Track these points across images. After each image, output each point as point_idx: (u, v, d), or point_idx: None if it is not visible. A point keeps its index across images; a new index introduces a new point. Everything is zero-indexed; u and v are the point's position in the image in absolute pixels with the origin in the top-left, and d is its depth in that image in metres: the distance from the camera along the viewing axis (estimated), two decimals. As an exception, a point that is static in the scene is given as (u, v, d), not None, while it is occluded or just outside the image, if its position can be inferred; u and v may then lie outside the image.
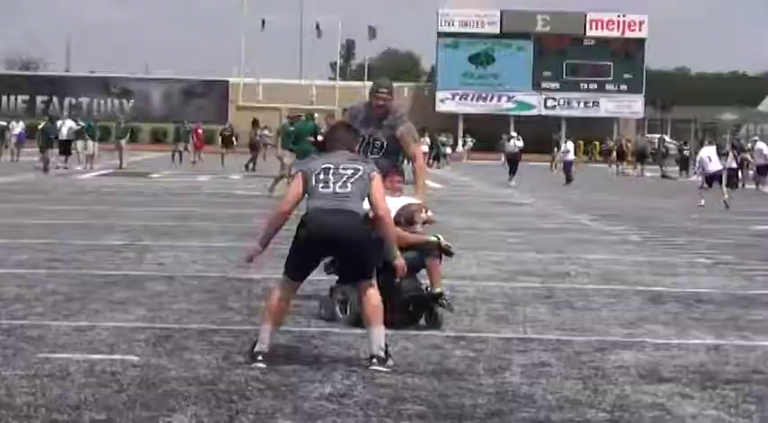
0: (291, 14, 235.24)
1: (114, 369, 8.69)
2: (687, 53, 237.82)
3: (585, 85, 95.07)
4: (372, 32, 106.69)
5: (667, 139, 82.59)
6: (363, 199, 9.26)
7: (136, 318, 11.14)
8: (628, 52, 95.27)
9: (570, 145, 52.71)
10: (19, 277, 13.54)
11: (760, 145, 47.29)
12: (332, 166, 9.35)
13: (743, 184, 42.83)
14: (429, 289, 10.99)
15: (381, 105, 11.77)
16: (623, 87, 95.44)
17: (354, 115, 12.01)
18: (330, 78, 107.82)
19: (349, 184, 9.20)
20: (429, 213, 11.52)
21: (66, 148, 47.75)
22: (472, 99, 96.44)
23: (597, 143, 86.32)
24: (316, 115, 34.68)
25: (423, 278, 11.12)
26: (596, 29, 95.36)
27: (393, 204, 10.57)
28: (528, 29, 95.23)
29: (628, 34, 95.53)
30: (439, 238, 11.07)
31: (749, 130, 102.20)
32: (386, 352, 8.99)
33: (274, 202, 28.70)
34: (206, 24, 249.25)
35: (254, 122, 56.93)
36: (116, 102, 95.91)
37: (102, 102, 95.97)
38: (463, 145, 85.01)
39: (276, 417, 7.44)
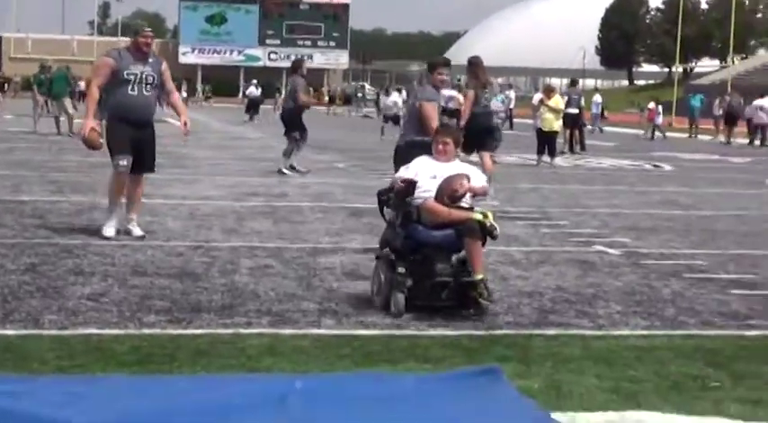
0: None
1: None
2: (384, 15, 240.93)
3: (302, 42, 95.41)
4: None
5: (367, 86, 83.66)
6: None
7: None
8: (335, 15, 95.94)
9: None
10: None
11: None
12: None
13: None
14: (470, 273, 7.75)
15: (148, 43, 10.81)
16: (332, 44, 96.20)
17: (118, 57, 10.77)
18: (89, 34, 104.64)
19: None
20: (475, 183, 8.09)
21: None
22: (209, 52, 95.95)
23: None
24: (69, 67, 35.14)
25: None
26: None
27: (441, 172, 8.04)
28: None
29: (335, 0, 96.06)
30: (485, 216, 7.77)
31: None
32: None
33: (33, 136, 28.12)
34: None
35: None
36: None
37: None
38: (203, 92, 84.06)
39: (44, 313, 7.33)
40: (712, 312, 8.19)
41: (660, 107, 44.44)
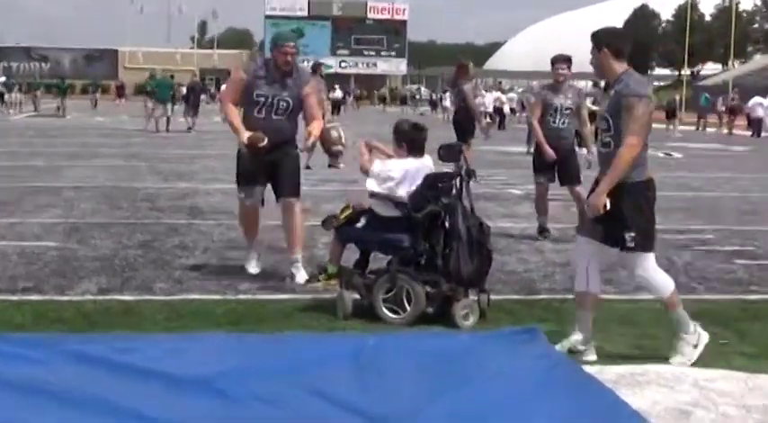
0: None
1: (39, 252, 8.54)
2: (435, 29, 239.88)
3: (367, 52, 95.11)
4: (215, 14, 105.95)
5: (423, 88, 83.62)
6: None
7: (54, 216, 10.90)
8: (396, 29, 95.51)
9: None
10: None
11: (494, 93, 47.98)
12: None
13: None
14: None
15: (287, 61, 7.57)
16: (393, 53, 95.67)
17: (254, 71, 7.60)
18: (190, 47, 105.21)
19: None
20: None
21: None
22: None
23: (375, 91, 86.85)
24: (173, 76, 35.53)
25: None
26: (374, 13, 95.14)
27: None
28: (327, 13, 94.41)
29: (395, 17, 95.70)
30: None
31: (478, 84, 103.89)
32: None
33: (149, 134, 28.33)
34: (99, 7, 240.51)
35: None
36: (36, 65, 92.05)
37: (26, 65, 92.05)
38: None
39: (155, 281, 7.39)
40: (719, 279, 8.05)
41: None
